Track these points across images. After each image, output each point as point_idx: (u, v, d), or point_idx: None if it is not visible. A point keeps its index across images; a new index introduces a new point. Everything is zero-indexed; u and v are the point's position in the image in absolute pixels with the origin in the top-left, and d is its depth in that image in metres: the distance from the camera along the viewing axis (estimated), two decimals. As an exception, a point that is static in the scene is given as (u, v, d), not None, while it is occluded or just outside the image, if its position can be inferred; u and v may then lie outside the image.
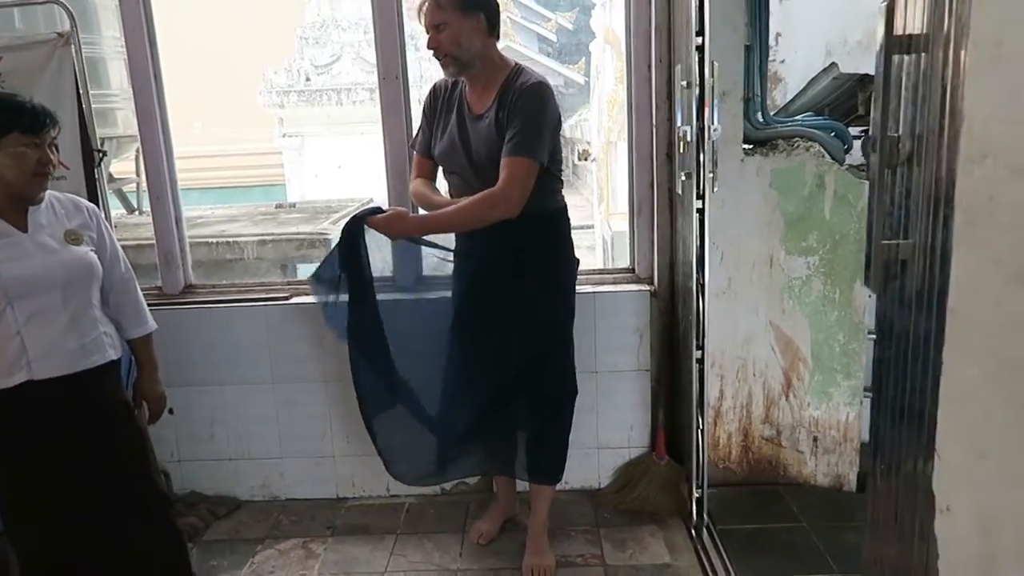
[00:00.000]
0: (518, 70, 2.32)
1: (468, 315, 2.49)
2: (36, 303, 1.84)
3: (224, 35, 10.39)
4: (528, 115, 2.21)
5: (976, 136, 0.85)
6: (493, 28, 2.28)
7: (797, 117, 3.02)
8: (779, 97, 3.71)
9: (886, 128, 1.10)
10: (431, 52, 2.26)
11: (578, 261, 2.58)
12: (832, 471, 3.00)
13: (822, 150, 2.78)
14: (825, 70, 3.12)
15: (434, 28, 2.21)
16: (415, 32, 8.97)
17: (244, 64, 10.08)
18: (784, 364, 2.95)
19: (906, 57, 1.07)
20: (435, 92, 2.46)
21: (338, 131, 9.48)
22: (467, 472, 2.83)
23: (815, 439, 3.00)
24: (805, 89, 3.32)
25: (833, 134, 2.82)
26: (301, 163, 9.91)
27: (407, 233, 2.35)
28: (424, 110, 2.48)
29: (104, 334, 1.99)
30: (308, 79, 9.88)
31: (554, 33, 19.02)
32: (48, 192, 1.95)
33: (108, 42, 4.37)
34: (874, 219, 1.12)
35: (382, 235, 2.34)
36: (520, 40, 17.09)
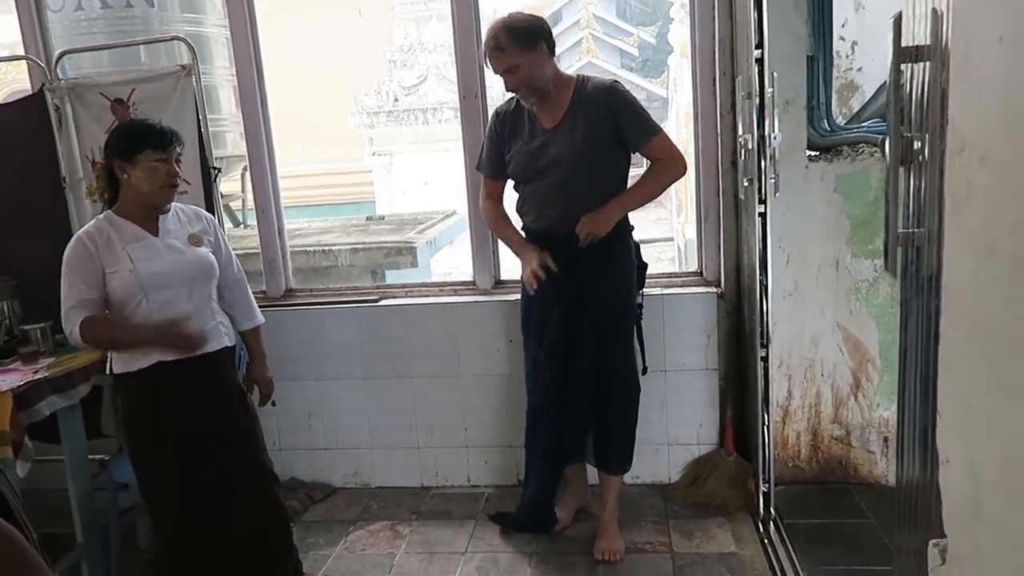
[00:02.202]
0: (583, 79, 2.57)
1: (536, 312, 2.66)
2: (166, 295, 2.15)
3: (320, 62, 10.99)
4: (628, 104, 2.49)
5: (957, 132, 0.99)
6: (552, 49, 2.50)
7: (864, 124, 3.08)
8: (856, 105, 3.76)
9: (899, 128, 1.24)
10: (511, 92, 2.49)
11: (646, 265, 2.74)
12: (904, 472, 3.03)
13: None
14: (893, 77, 3.17)
15: (506, 72, 2.41)
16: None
17: (338, 88, 10.62)
18: (852, 365, 3.01)
19: (916, 65, 1.21)
20: (499, 117, 2.65)
21: (424, 149, 9.90)
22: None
23: (886, 439, 3.03)
24: (875, 96, 3.37)
25: (899, 139, 2.88)
26: (390, 180, 10.38)
27: (612, 223, 2.49)
28: (490, 135, 2.68)
29: (220, 323, 2.29)
30: (396, 100, 10.35)
31: (636, 48, 19.08)
32: (174, 204, 2.26)
33: (219, 71, 4.82)
34: (890, 210, 1.25)
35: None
36: (603, 56, 17.23)
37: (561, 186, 2.53)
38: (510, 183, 2.71)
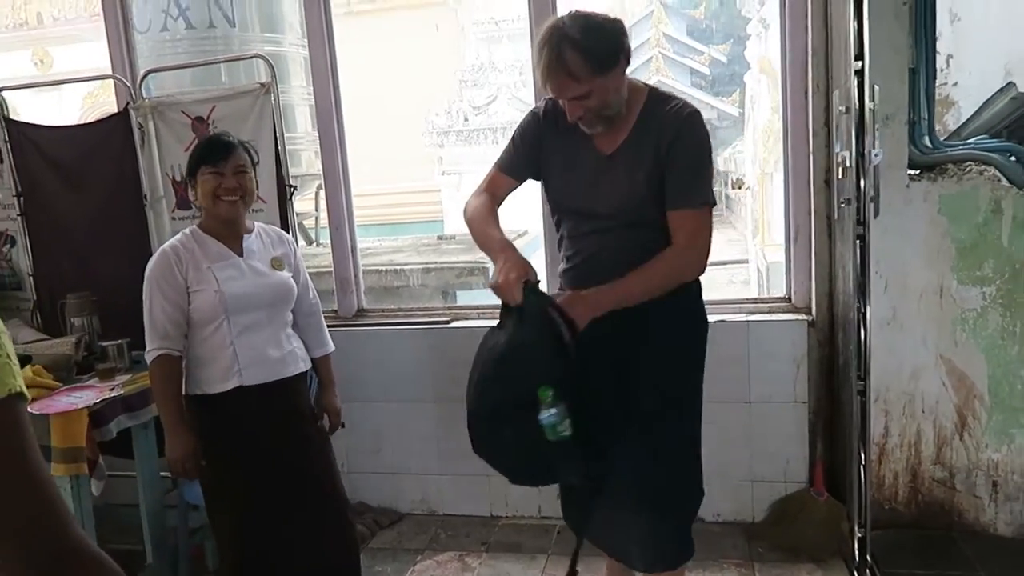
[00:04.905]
0: (656, 95, 1.95)
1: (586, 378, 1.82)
2: (247, 318, 2.11)
3: (393, 83, 11.15)
4: (695, 153, 1.89)
5: None
6: (629, 59, 1.89)
7: (969, 141, 2.87)
8: (951, 122, 3.54)
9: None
10: (573, 121, 1.87)
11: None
12: (1016, 520, 2.77)
13: (998, 174, 2.63)
14: (1002, 90, 2.95)
15: (575, 100, 1.82)
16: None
17: (409, 108, 10.75)
18: (957, 401, 2.78)
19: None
20: (542, 120, 2.02)
21: (494, 168, 9.94)
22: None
23: (995, 484, 2.79)
24: (979, 111, 3.15)
25: (1011, 156, 2.66)
26: (459, 199, 10.42)
27: (595, 315, 1.79)
28: (524, 133, 2.06)
29: (296, 348, 2.24)
30: (466, 119, 10.42)
31: (707, 66, 18.78)
32: (257, 224, 2.23)
33: (295, 90, 4.88)
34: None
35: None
36: (672, 75, 17.01)
37: (612, 236, 1.95)
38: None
